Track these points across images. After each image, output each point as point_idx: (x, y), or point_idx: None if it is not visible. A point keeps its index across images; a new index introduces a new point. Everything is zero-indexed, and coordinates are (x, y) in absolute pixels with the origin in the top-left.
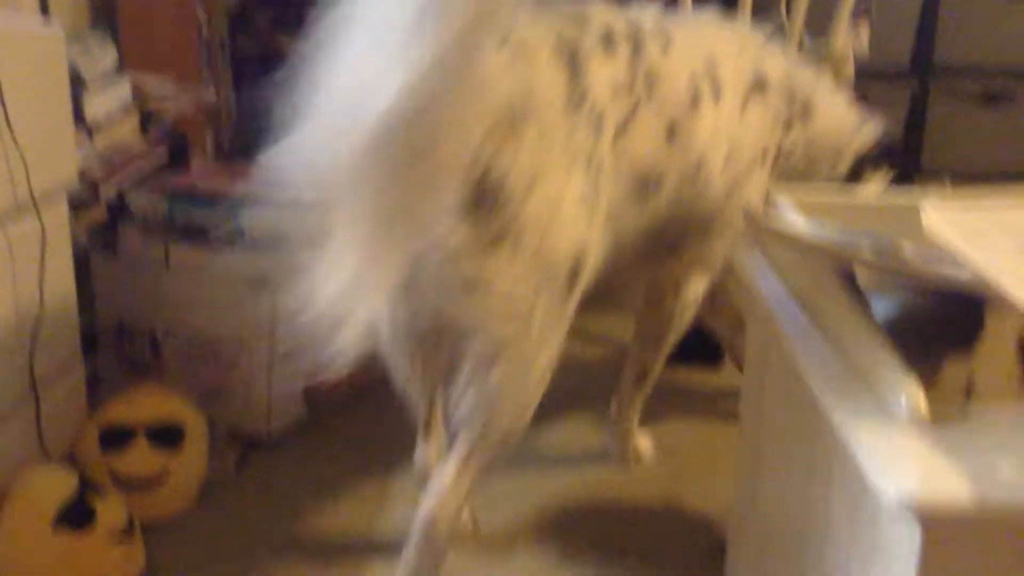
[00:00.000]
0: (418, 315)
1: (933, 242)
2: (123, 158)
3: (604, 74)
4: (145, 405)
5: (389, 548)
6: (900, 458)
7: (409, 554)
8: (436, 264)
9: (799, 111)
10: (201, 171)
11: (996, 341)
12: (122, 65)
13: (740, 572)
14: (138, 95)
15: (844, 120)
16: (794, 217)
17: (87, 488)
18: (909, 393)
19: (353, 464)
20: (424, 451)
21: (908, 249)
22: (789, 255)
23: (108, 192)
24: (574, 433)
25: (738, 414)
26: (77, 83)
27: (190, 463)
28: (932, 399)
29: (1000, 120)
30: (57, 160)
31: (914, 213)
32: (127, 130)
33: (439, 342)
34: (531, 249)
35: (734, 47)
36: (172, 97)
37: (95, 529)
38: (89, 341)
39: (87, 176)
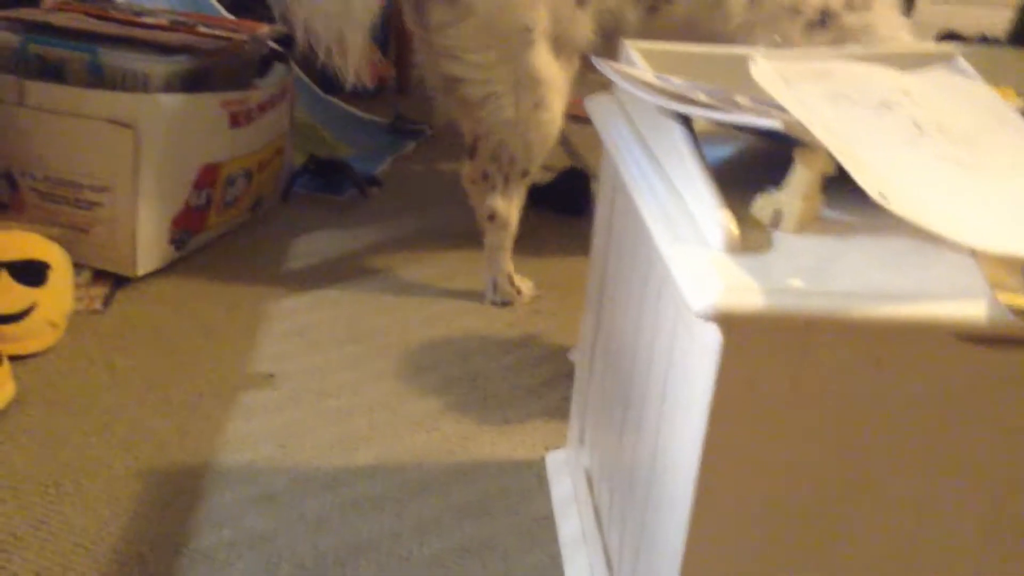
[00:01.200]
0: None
1: (759, 89)
2: None
3: None
4: (6, 242)
5: (259, 383)
6: (710, 277)
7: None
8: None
9: None
10: (53, 6)
11: (803, 178)
12: None
13: (584, 391)
14: None
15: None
16: (641, 65)
17: None
18: (722, 223)
19: (222, 302)
20: (467, 166)
21: (738, 96)
22: (635, 101)
23: None
24: (445, 270)
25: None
26: None
27: (56, 299)
28: (743, 228)
29: None
30: None
31: (745, 64)
32: None
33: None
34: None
35: None
36: None
37: None
38: None
39: None
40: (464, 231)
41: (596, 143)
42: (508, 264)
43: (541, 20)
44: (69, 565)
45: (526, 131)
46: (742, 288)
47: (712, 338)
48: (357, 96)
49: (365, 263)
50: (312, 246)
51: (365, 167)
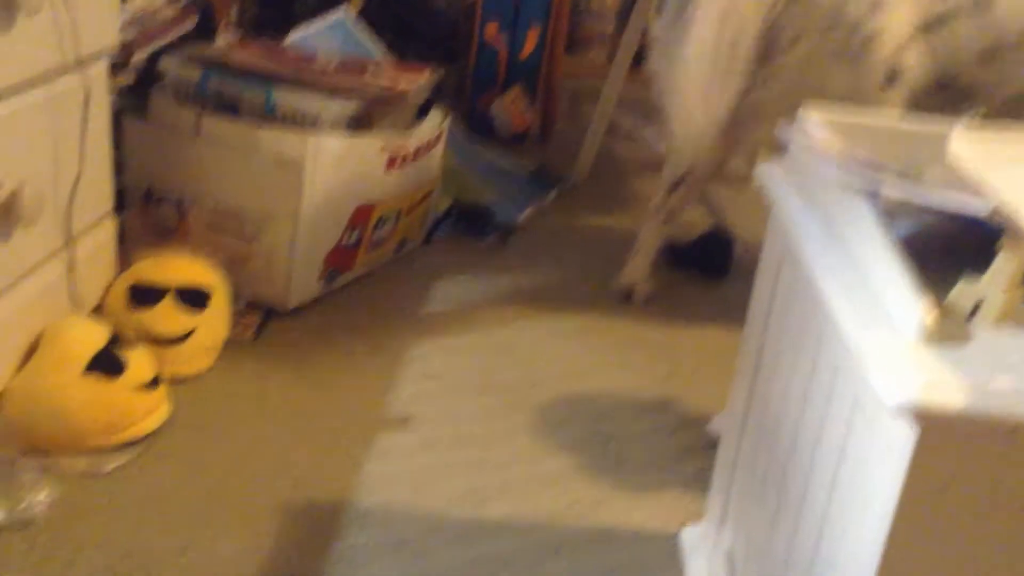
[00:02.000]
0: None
1: (957, 169)
2: (154, 24)
3: None
4: (175, 267)
5: (395, 425)
6: (905, 369)
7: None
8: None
9: None
10: (231, 44)
11: (1008, 269)
12: None
13: (730, 467)
14: None
15: None
16: (823, 134)
17: (118, 339)
18: (918, 311)
19: (364, 340)
20: (661, 198)
21: (931, 176)
22: (814, 170)
23: (138, 56)
24: (580, 325)
25: (736, 322)
26: None
27: (214, 326)
28: (940, 317)
29: None
30: (102, 21)
31: (942, 140)
32: None
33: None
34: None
35: None
36: None
37: (124, 378)
38: (117, 202)
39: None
40: (603, 284)
41: (739, 204)
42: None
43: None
44: None
45: None
46: (942, 385)
47: (902, 435)
48: (501, 143)
49: (502, 311)
50: (451, 290)
51: (507, 214)
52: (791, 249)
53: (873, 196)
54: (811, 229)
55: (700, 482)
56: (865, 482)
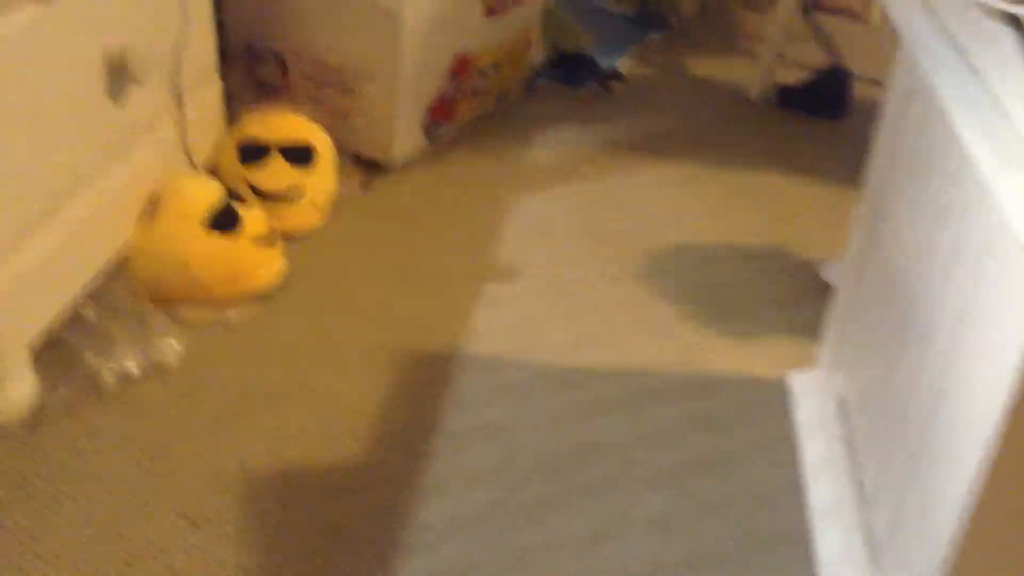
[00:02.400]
0: None
1: None
2: None
3: None
4: (280, 124)
5: (501, 274)
6: None
7: None
8: None
9: None
10: None
11: None
12: None
13: (845, 311)
14: None
15: None
16: None
17: (233, 196)
18: None
19: (467, 192)
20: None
21: None
22: None
23: None
24: (684, 172)
25: (849, 166)
26: None
27: (321, 182)
28: None
29: None
30: None
31: None
32: None
33: None
34: None
35: None
36: None
37: (241, 233)
38: (220, 60)
39: None
40: (707, 131)
41: (856, 39)
42: None
43: None
44: (330, 429)
45: None
46: None
47: None
48: None
49: (606, 160)
50: (554, 140)
51: (608, 59)
52: (922, 82)
53: (1017, 25)
54: (945, 59)
55: (808, 329)
56: (994, 326)
